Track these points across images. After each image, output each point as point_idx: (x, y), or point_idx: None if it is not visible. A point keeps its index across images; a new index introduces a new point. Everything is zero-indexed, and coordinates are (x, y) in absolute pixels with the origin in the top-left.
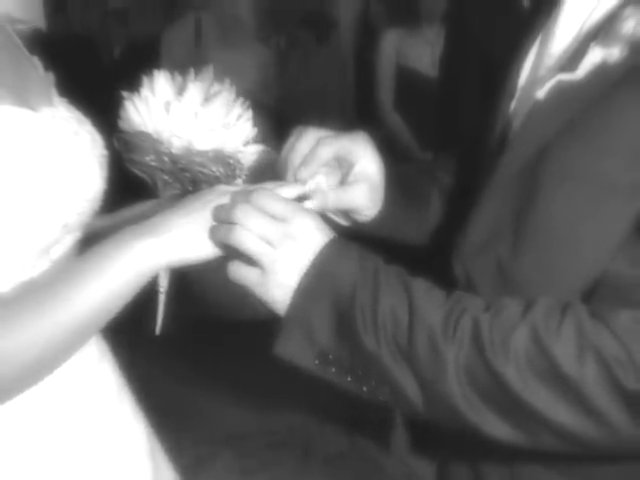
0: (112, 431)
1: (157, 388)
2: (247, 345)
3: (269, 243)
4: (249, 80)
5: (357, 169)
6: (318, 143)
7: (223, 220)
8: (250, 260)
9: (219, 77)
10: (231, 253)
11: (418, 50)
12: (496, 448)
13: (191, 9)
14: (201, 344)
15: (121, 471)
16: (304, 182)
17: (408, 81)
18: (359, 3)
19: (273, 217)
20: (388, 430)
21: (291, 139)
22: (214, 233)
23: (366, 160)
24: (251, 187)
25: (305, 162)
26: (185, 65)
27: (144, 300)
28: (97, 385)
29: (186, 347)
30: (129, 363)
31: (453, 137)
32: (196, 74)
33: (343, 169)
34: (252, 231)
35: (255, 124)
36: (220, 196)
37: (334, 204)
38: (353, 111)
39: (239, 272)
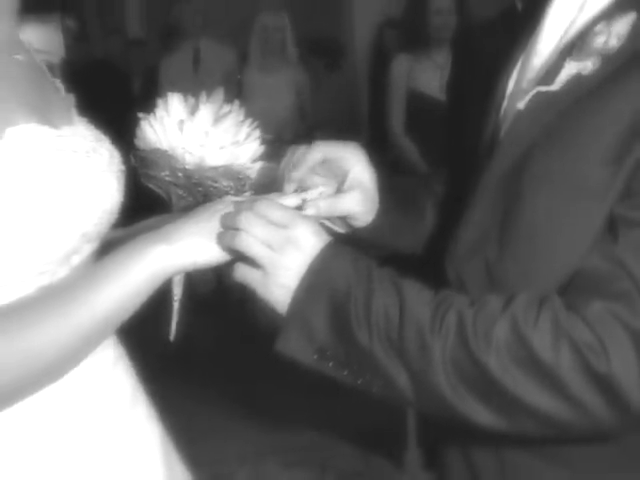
0: (125, 434)
1: (173, 407)
2: (263, 364)
3: (271, 247)
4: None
5: (350, 177)
6: (309, 148)
7: (229, 227)
8: (254, 263)
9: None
10: (237, 257)
11: (428, 74)
12: (487, 440)
13: (189, 37)
14: (217, 363)
15: (133, 474)
16: (302, 189)
17: (418, 105)
18: (374, 29)
19: (274, 224)
20: (402, 448)
21: (287, 154)
22: (221, 239)
23: (359, 168)
24: (255, 197)
25: (296, 165)
26: (184, 91)
27: (159, 310)
28: (111, 388)
29: (202, 366)
30: (145, 381)
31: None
32: (207, 96)
33: (338, 178)
34: (255, 236)
35: (262, 142)
36: (227, 206)
37: (329, 211)
38: (366, 135)
39: (243, 274)
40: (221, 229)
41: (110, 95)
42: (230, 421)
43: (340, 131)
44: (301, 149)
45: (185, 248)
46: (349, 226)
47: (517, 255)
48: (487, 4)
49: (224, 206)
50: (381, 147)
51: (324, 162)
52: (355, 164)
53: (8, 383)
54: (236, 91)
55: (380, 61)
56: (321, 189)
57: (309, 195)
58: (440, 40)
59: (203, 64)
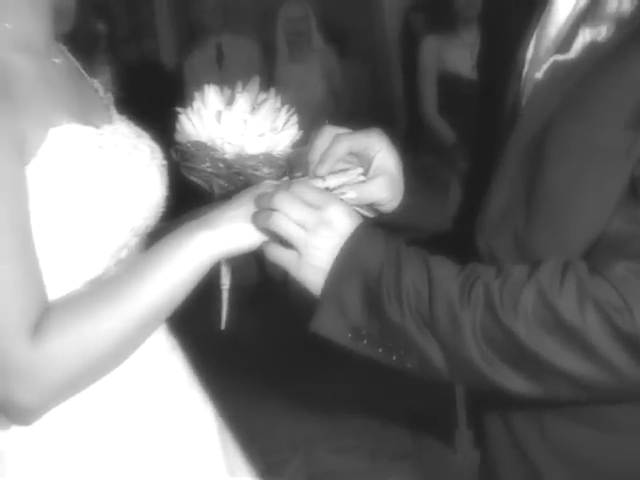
0: (183, 417)
1: (224, 397)
2: (309, 352)
3: (304, 228)
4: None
5: (375, 164)
6: (334, 140)
7: (265, 207)
8: (288, 244)
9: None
10: (272, 237)
11: (457, 54)
12: (526, 406)
13: (211, 33)
14: (265, 353)
15: (193, 455)
16: (324, 178)
17: (450, 85)
18: (401, 14)
19: (309, 205)
20: (452, 428)
21: (312, 138)
22: (256, 219)
23: (383, 154)
24: (292, 180)
25: (322, 159)
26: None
27: (208, 301)
28: (168, 373)
29: (251, 356)
30: (196, 371)
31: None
32: (243, 86)
33: (363, 166)
34: (290, 217)
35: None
36: (266, 189)
37: (358, 198)
38: (402, 120)
39: (277, 254)
40: (257, 210)
41: (157, 94)
42: (280, 409)
43: (376, 118)
44: (325, 139)
45: (228, 232)
46: (375, 212)
47: (543, 223)
48: None
49: (263, 189)
50: (417, 130)
51: (349, 152)
52: (379, 151)
53: (67, 375)
54: (265, 84)
55: (409, 45)
56: (360, 170)
57: (348, 177)
58: (467, 19)
59: (226, 59)
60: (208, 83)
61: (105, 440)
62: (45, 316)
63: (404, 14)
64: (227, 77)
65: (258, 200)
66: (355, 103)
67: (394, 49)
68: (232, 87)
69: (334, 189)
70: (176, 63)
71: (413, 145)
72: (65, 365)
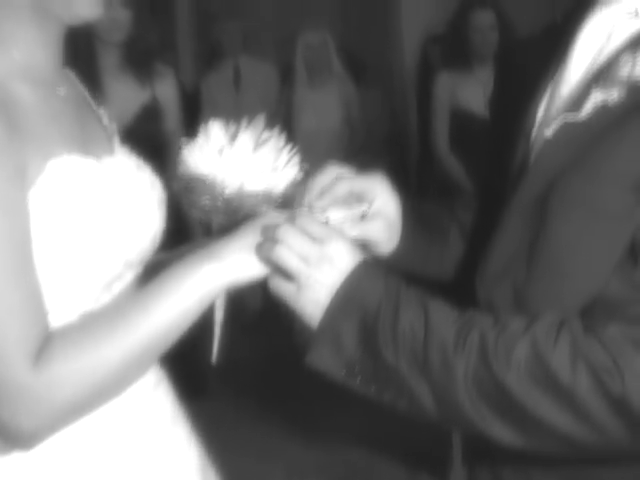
0: (164, 454)
1: (219, 426)
2: (307, 383)
3: (306, 262)
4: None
5: (375, 206)
6: (336, 179)
7: (268, 238)
8: (289, 275)
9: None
10: (274, 269)
11: (471, 91)
12: (516, 459)
13: (229, 56)
14: (262, 382)
15: None
16: (324, 209)
17: (462, 122)
18: (420, 45)
19: (312, 239)
20: (447, 465)
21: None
22: (259, 250)
23: (383, 199)
24: (295, 212)
25: (321, 195)
26: (226, 109)
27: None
28: (152, 410)
29: (247, 385)
30: (190, 401)
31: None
32: (248, 122)
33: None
34: (293, 249)
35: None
36: (271, 221)
37: (352, 236)
38: (415, 153)
39: (278, 285)
40: (261, 241)
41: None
42: (276, 440)
43: (389, 149)
44: (327, 177)
45: (234, 264)
46: (370, 253)
47: (543, 278)
48: (528, 21)
49: (269, 221)
50: (428, 163)
51: (349, 193)
52: (380, 195)
53: (68, 402)
54: (282, 109)
55: (425, 77)
56: (364, 207)
57: (350, 212)
58: (482, 56)
59: (244, 81)
60: (224, 105)
61: (84, 475)
62: (48, 342)
63: (422, 46)
64: (244, 99)
65: (263, 231)
66: (370, 133)
67: (411, 81)
68: (239, 119)
69: (335, 222)
70: (194, 83)
71: (422, 179)
72: (67, 392)
